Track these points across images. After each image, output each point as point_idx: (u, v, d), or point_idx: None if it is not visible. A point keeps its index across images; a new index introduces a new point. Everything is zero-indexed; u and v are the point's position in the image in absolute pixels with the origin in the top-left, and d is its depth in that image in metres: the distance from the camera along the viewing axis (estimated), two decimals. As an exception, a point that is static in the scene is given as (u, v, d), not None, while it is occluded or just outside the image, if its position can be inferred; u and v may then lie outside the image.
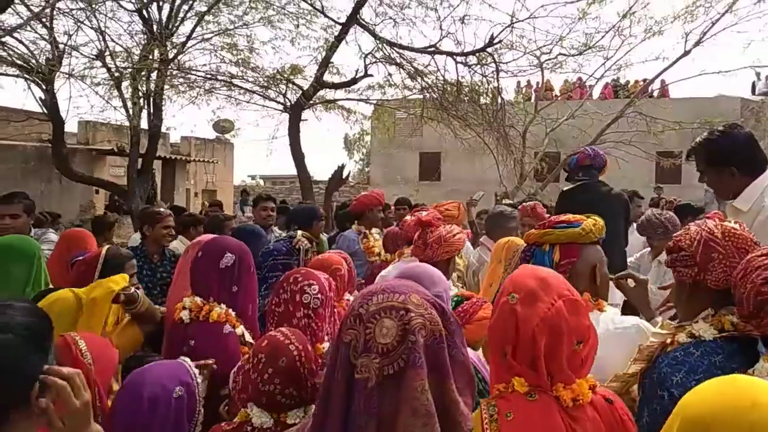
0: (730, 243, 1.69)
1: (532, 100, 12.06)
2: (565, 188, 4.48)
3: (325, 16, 9.51)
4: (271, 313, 2.17)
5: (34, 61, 7.26)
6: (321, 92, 10.28)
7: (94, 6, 7.75)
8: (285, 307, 2.11)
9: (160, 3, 8.32)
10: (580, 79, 11.73)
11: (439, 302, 1.08)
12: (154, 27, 8.35)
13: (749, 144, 2.76)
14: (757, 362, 1.57)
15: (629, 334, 1.90)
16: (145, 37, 8.41)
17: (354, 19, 9.01)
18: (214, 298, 2.36)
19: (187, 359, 1.86)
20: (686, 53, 9.13)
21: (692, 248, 1.73)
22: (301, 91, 9.65)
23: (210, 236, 3.02)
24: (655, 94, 13.58)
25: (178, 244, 4.59)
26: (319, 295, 2.11)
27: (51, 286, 2.82)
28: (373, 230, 5.02)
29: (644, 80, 12.76)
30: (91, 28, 8.17)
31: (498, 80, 9.54)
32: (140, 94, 8.07)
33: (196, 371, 1.82)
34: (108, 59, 8.24)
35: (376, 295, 1.06)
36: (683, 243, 1.77)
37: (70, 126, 10.72)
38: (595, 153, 4.49)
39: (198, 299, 2.35)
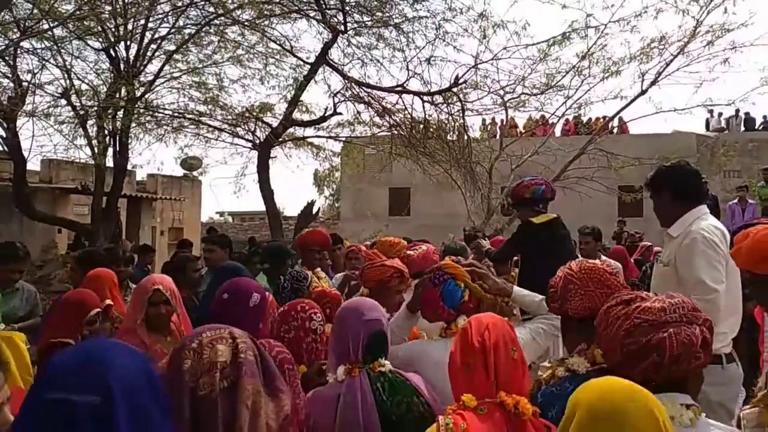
0: (585, 275, 1.96)
1: (498, 137, 12.34)
2: (537, 220, 4.34)
3: (294, 56, 9.67)
4: (278, 339, 2.31)
5: (-5, 99, 7.17)
6: (290, 129, 10.36)
7: (59, 45, 7.72)
8: (296, 333, 2.34)
9: (128, 42, 8.33)
10: (543, 116, 12.07)
11: (249, 335, 1.35)
12: (122, 65, 8.34)
13: (687, 177, 3.01)
14: None
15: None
16: (112, 75, 8.39)
17: (323, 59, 9.17)
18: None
19: None
20: (643, 92, 9.51)
21: (557, 284, 2.02)
22: (270, 129, 9.69)
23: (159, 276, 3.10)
24: (615, 131, 14.05)
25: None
26: (321, 322, 2.41)
27: None
28: (318, 270, 4.45)
29: (604, 117, 13.21)
30: (56, 66, 8.12)
31: (464, 118, 9.78)
32: (106, 132, 8.00)
33: None
34: (73, 98, 8.17)
35: (204, 332, 1.30)
36: (553, 282, 2.06)
37: (33, 164, 10.53)
38: (548, 184, 4.56)
39: None
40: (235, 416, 1.19)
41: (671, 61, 9.10)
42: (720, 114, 20.70)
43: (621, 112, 10.60)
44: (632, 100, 9.64)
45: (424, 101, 9.57)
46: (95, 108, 8.04)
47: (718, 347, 2.51)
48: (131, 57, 8.41)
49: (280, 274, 4.10)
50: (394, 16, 8.95)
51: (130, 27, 8.18)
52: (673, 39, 8.95)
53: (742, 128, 21.25)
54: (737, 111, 19.79)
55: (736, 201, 11.09)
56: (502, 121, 13.13)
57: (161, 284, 3.06)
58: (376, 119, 10.24)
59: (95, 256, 4.54)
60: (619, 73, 9.30)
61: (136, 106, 8.36)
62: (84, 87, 8.57)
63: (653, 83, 9.35)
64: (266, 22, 8.91)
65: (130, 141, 8.93)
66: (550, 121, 11.99)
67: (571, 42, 9.06)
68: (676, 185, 2.99)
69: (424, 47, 9.10)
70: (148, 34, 8.53)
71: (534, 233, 4.30)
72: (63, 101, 8.17)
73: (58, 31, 7.72)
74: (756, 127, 21.57)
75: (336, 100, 9.59)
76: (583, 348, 1.89)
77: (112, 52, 8.37)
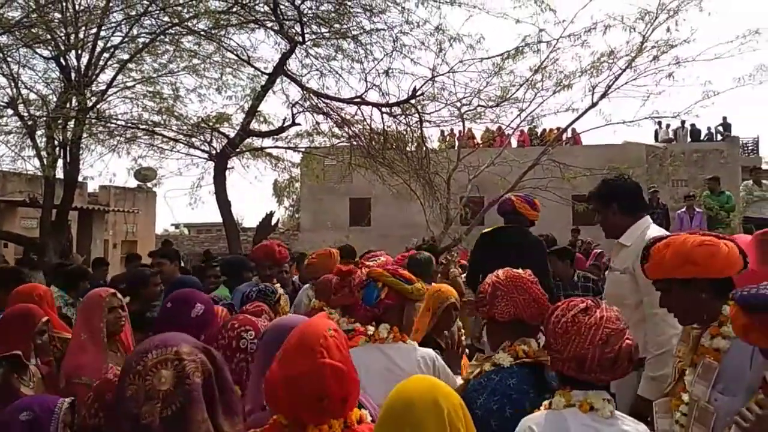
0: (510, 283, 2.20)
1: (456, 148, 12.51)
2: (485, 230, 4.68)
3: (252, 66, 9.61)
4: None
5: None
6: (248, 140, 10.26)
7: (5, 53, 7.47)
8: (222, 351, 2.18)
9: (79, 51, 8.12)
10: (500, 128, 12.32)
11: (206, 347, 1.29)
12: (72, 74, 8.12)
13: (631, 190, 3.20)
14: (548, 386, 1.99)
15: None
16: (62, 84, 8.16)
17: (281, 69, 9.15)
18: None
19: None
20: (593, 105, 9.81)
21: (486, 290, 2.24)
22: (227, 140, 9.59)
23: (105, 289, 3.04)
24: (568, 142, 14.43)
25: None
26: (254, 340, 2.21)
27: None
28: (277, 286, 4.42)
29: (557, 128, 13.57)
30: (2, 74, 7.86)
31: (422, 129, 9.90)
32: (56, 143, 7.76)
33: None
34: (21, 107, 7.91)
35: (150, 352, 1.24)
36: (482, 288, 2.28)
37: (-23, 176, 10.11)
38: (502, 200, 4.76)
39: None
40: None
41: (620, 75, 9.42)
42: (668, 125, 21.53)
43: (573, 124, 10.91)
44: (583, 113, 9.92)
45: (382, 112, 9.66)
46: (44, 118, 7.80)
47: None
48: (83, 66, 8.20)
49: (237, 287, 4.07)
50: (351, 28, 9.02)
51: (81, 35, 7.98)
52: (622, 54, 9.28)
53: (689, 139, 22.17)
54: (683, 122, 20.66)
55: (684, 210, 11.54)
56: (460, 132, 13.33)
57: (113, 290, 3.00)
58: (335, 130, 10.28)
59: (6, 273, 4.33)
60: (570, 87, 9.59)
61: (88, 116, 8.14)
62: (32, 96, 8.31)
63: (603, 96, 9.64)
64: (223, 32, 8.84)
65: (81, 152, 8.68)
66: (506, 133, 12.24)
67: (524, 56, 9.31)
68: (624, 198, 3.14)
69: (382, 59, 9.21)
70: (100, 43, 8.34)
71: (478, 242, 4.67)
72: (9, 111, 7.90)
73: (4, 39, 7.48)
74: (701, 138, 22.55)
75: (294, 110, 9.58)
76: (507, 344, 2.15)
77: (62, 60, 8.14)
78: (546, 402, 1.83)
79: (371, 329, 2.56)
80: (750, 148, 23.50)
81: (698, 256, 2.02)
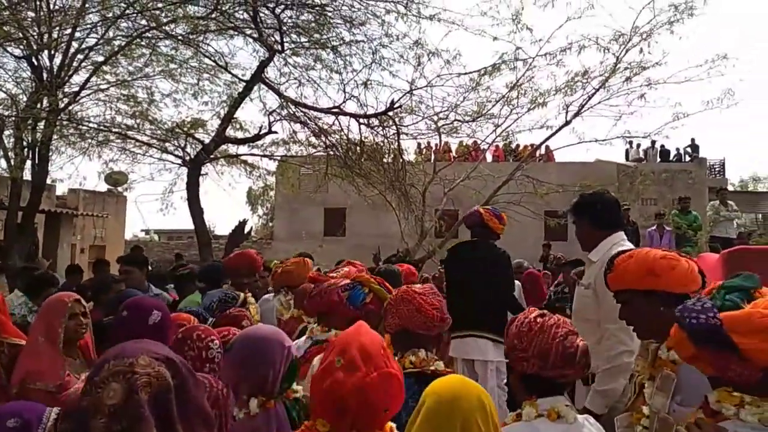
0: (398, 297, 2.40)
1: (432, 161, 12.59)
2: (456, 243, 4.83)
3: (229, 72, 9.55)
4: None
5: None
6: (223, 147, 10.17)
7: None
8: (193, 363, 2.15)
9: (52, 51, 7.97)
10: (475, 142, 12.44)
11: (173, 357, 1.22)
12: (44, 75, 7.96)
13: (607, 205, 3.20)
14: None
15: None
16: (34, 84, 7.99)
17: (258, 77, 9.11)
18: None
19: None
20: (567, 123, 9.99)
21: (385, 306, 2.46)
22: (201, 146, 9.49)
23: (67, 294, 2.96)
24: (542, 159, 14.65)
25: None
26: (219, 349, 2.23)
27: None
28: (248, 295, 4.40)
29: (532, 145, 13.77)
30: (-30, 72, 7.67)
31: (399, 141, 9.94)
32: (24, 144, 7.58)
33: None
34: (-12, 106, 7.73)
35: (108, 362, 1.20)
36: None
37: (-61, 175, 9.81)
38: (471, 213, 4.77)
39: None
40: None
41: (593, 94, 9.63)
42: (638, 145, 22.00)
43: (547, 141, 11.08)
44: (557, 130, 10.10)
45: (360, 123, 9.67)
46: (13, 118, 7.61)
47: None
48: (55, 66, 8.04)
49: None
50: (331, 39, 9.04)
51: (55, 35, 7.83)
52: (595, 74, 9.49)
53: (658, 159, 22.69)
54: (653, 142, 21.15)
55: (654, 228, 11.77)
56: (436, 145, 13.43)
57: (77, 296, 2.91)
58: (312, 139, 10.26)
59: None
60: (545, 104, 9.75)
61: (59, 117, 7.98)
62: (1, 95, 8.12)
63: (577, 114, 9.83)
64: (201, 38, 8.78)
65: (50, 154, 8.50)
66: (482, 147, 12.37)
67: (500, 73, 9.45)
68: (596, 212, 3.16)
69: (360, 70, 9.25)
70: (74, 44, 8.21)
71: (446, 257, 4.85)
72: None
73: (-27, 36, 7.30)
74: (670, 158, 23.10)
75: (271, 118, 9.55)
76: (399, 355, 2.28)
77: (34, 60, 7.97)
78: (513, 414, 1.88)
79: None
80: (717, 169, 24.15)
81: (659, 268, 2.06)
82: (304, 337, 2.96)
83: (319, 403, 1.50)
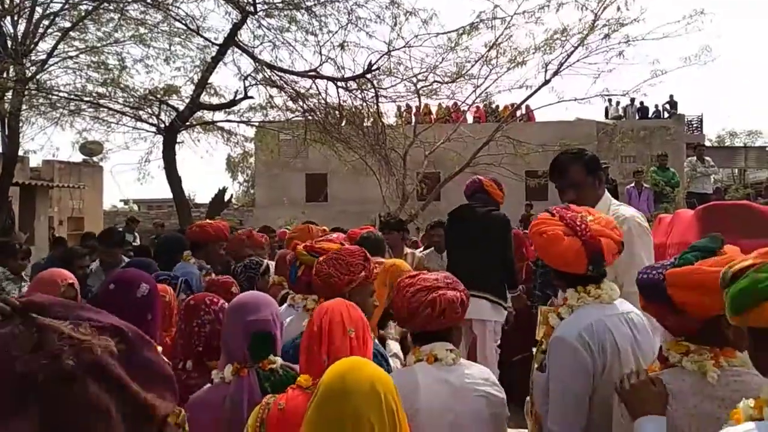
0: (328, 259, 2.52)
1: (412, 124, 12.49)
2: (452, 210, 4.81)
3: (201, 36, 9.29)
4: (195, 335, 2.32)
5: None
6: (199, 113, 9.98)
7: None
8: (212, 326, 2.30)
9: (15, 17, 7.67)
10: (455, 104, 12.35)
11: (117, 324, 1.15)
12: (9, 42, 7.68)
13: (593, 155, 2.97)
14: None
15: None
16: (-2, 53, 7.71)
17: (232, 40, 8.88)
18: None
19: None
20: (546, 82, 9.94)
21: None
22: (176, 113, 9.29)
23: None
24: (522, 119, 14.62)
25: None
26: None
27: None
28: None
29: (512, 105, 13.71)
30: (-70, 41, 7.36)
31: (378, 105, 9.82)
32: (-8, 115, 7.37)
33: None
34: (-48, 77, 7.45)
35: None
36: None
37: None
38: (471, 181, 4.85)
39: None
40: None
41: (572, 52, 9.55)
42: (618, 103, 22.08)
43: (527, 101, 11.04)
44: (537, 90, 10.04)
45: (338, 87, 9.52)
46: (-22, 88, 7.37)
47: None
48: (20, 33, 7.76)
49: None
50: (305, -1, 8.81)
51: (17, 0, 7.53)
52: (574, 31, 9.40)
53: (637, 116, 22.81)
54: (632, 100, 21.21)
55: (633, 185, 11.89)
56: (417, 108, 13.30)
57: (72, 279, 2.89)
58: (290, 104, 10.08)
59: None
60: (524, 63, 9.66)
61: (27, 87, 7.73)
62: (-36, 65, 7.82)
63: (556, 73, 9.77)
64: (170, 1, 8.50)
65: (21, 125, 8.28)
66: (462, 109, 12.28)
67: (479, 32, 9.30)
68: (589, 157, 2.87)
69: (336, 32, 9.05)
70: (39, 9, 7.90)
71: (447, 220, 4.89)
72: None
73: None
74: (649, 115, 23.23)
75: (247, 83, 9.35)
76: None
77: (-4, 27, 7.69)
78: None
79: None
80: (695, 125, 24.38)
81: (537, 244, 2.11)
82: (285, 305, 2.97)
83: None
